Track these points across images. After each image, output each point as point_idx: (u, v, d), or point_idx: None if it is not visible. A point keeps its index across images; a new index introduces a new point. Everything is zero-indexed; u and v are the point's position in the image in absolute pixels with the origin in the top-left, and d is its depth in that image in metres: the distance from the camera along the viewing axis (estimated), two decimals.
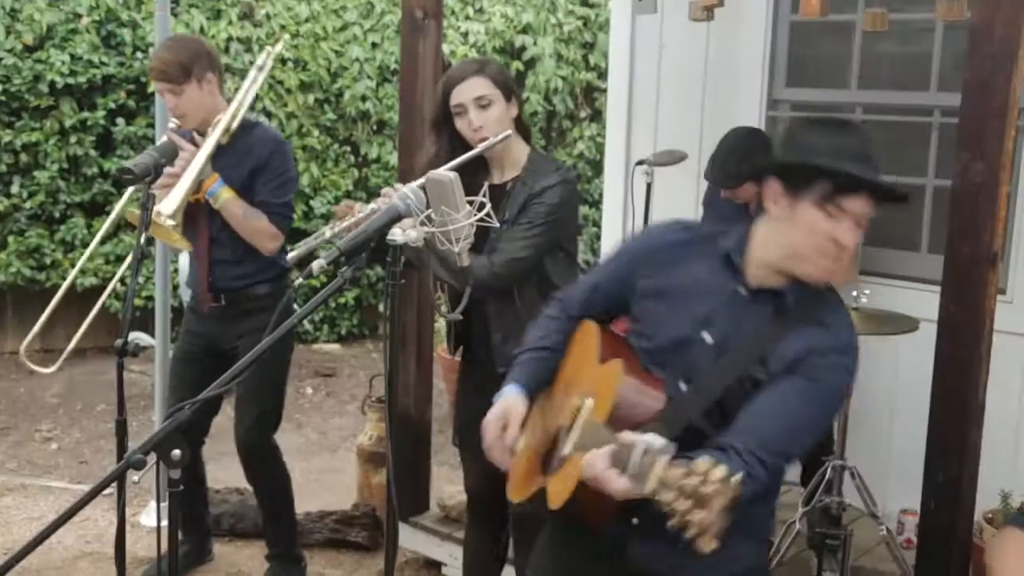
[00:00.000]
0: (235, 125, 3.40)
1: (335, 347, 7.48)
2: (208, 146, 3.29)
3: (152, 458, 1.78)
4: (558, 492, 1.91)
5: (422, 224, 1.76)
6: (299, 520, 4.25)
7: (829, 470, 3.57)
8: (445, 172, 1.72)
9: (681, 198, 4.60)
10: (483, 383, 2.94)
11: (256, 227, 3.39)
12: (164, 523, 4.08)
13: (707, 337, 1.94)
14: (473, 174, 2.44)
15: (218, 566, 4.01)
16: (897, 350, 3.87)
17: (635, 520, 1.94)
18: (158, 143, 3.33)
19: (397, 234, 1.75)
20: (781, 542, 3.54)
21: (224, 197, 3.34)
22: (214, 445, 3.96)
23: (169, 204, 3.17)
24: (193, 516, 3.93)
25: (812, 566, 3.55)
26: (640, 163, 3.82)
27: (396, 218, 1.80)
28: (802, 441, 1.91)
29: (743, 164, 3.90)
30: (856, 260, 3.98)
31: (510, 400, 2.05)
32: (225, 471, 3.82)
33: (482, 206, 1.75)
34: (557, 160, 2.75)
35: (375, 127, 7.62)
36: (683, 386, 1.94)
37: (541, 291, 2.68)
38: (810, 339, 1.89)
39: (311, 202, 7.25)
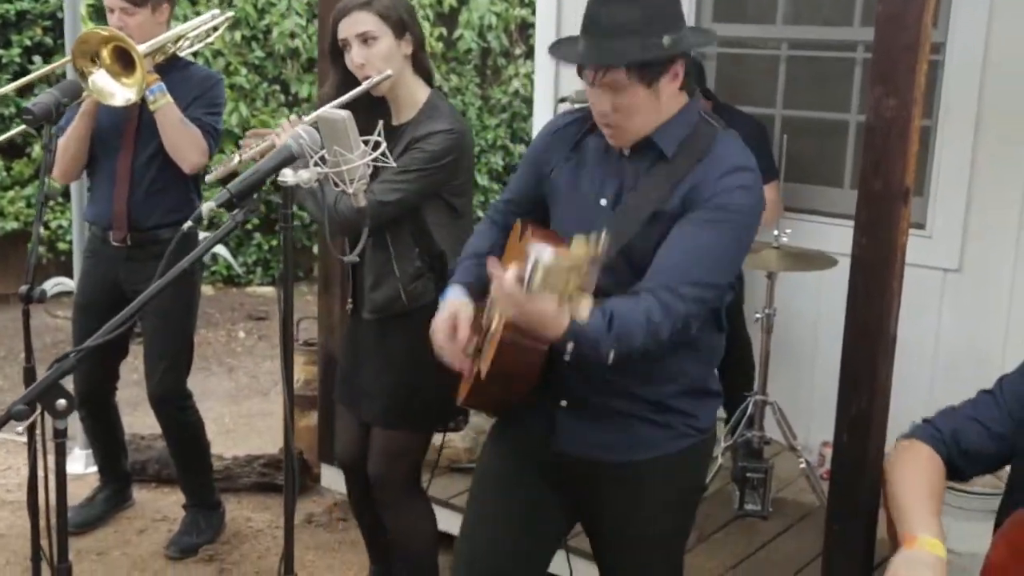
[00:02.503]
0: (182, 45, 3.43)
1: (268, 290, 7.40)
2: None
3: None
4: (486, 360, 1.94)
5: (315, 165, 1.71)
6: (227, 464, 4.24)
7: (751, 405, 3.61)
8: (338, 111, 1.66)
9: None
10: (355, 331, 2.92)
11: (191, 135, 3.35)
12: (92, 469, 4.11)
13: (603, 202, 1.99)
14: (373, 113, 2.39)
15: (143, 511, 3.98)
16: (820, 286, 3.90)
17: (563, 402, 2.01)
18: (63, 82, 3.21)
19: (288, 175, 1.70)
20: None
21: (164, 100, 3.29)
22: (140, 391, 3.89)
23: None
24: (109, 462, 3.90)
25: (735, 499, 3.61)
26: (563, 100, 3.77)
27: (288, 159, 1.75)
28: (720, 269, 1.93)
29: None
30: (779, 197, 4.00)
31: (454, 302, 2.07)
32: (151, 417, 3.79)
33: (377, 145, 1.69)
34: (454, 108, 2.69)
35: (305, 65, 7.47)
36: None
37: (417, 241, 2.65)
38: (700, 173, 1.93)
39: (240, 143, 7.10)
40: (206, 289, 7.13)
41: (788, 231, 3.54)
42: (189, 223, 1.82)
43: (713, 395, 2.19)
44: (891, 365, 2.73)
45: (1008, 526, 1.83)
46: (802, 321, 4.11)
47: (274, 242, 7.51)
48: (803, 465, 3.57)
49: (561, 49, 2.02)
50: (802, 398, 3.99)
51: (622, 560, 2.21)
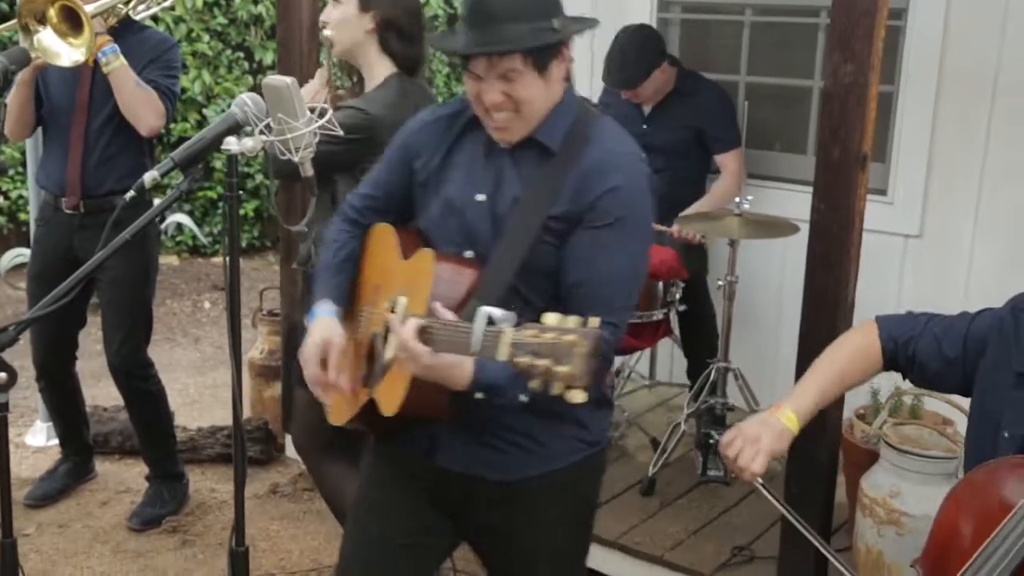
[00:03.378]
0: (137, 9, 3.38)
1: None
2: None
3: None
4: (390, 399, 1.85)
5: (261, 133, 1.69)
6: (192, 436, 4.21)
7: (713, 372, 3.63)
8: (282, 77, 1.63)
9: None
10: (305, 297, 2.88)
11: (147, 97, 3.30)
12: (53, 442, 4.08)
13: (479, 197, 1.90)
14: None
15: (106, 484, 3.96)
16: (784, 253, 3.92)
17: (478, 394, 1.84)
18: (10, 49, 3.15)
19: (232, 143, 1.67)
20: (667, 443, 3.60)
21: (118, 63, 3.24)
22: (102, 362, 3.85)
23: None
24: (71, 434, 3.87)
25: (698, 465, 3.64)
26: None
27: (233, 126, 1.72)
28: (636, 283, 1.89)
29: (640, 63, 3.88)
30: (742, 167, 4.01)
31: (325, 329, 1.96)
32: (114, 389, 3.75)
33: (323, 113, 1.66)
34: (404, 98, 2.64)
35: (268, 31, 7.37)
36: (469, 253, 1.90)
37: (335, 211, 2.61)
38: (587, 168, 1.84)
39: (204, 111, 7.02)
40: (171, 260, 7.06)
41: (749, 198, 3.54)
42: (131, 192, 1.79)
43: (605, 404, 2.09)
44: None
45: (958, 487, 1.86)
46: (766, 288, 4.12)
47: (240, 211, 7.43)
48: None
49: (446, 40, 1.93)
50: (767, 364, 4.01)
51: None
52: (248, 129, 1.70)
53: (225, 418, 4.41)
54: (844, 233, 2.64)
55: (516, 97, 1.80)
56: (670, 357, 4.39)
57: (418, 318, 1.65)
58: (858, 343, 2.08)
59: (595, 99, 4.26)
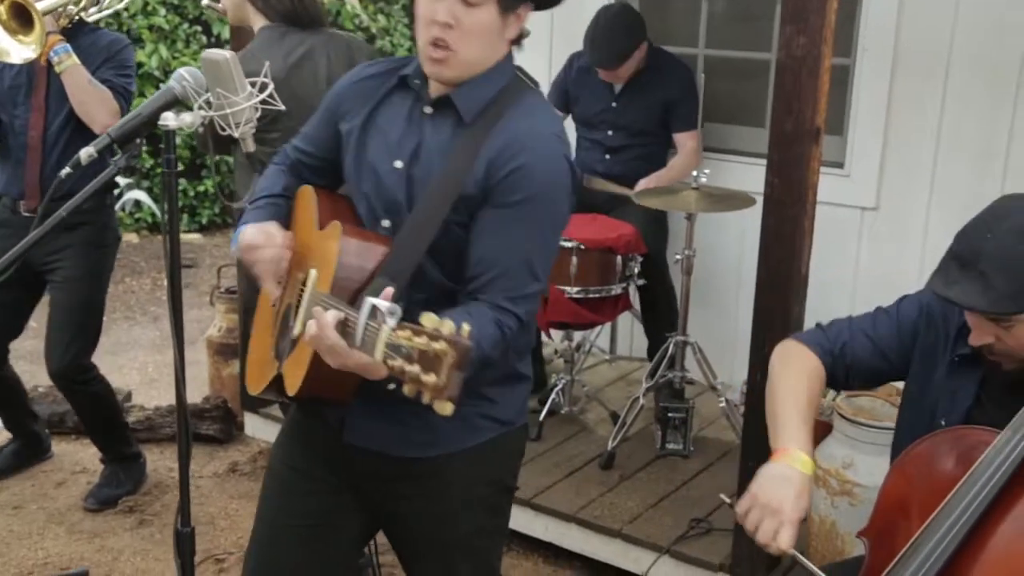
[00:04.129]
0: (89, 11, 3.34)
1: (196, 236, 7.27)
2: None
3: None
4: (293, 378, 1.80)
5: (200, 108, 1.65)
6: (149, 415, 4.18)
7: (672, 346, 3.64)
8: (221, 51, 1.60)
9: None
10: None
11: (100, 95, 3.25)
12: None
13: (397, 163, 1.83)
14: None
15: (61, 464, 3.92)
16: (743, 226, 3.92)
17: (391, 386, 1.73)
18: None
19: (170, 119, 1.64)
20: (626, 417, 3.61)
21: (70, 61, 3.19)
22: None
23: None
24: (18, 427, 3.85)
25: (657, 438, 3.65)
26: None
27: (171, 101, 1.68)
28: (546, 265, 1.81)
29: (626, 43, 3.87)
30: (699, 145, 4.01)
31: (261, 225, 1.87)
32: None
33: (263, 87, 1.63)
34: (274, 46, 2.62)
35: None
36: (385, 223, 1.84)
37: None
38: (501, 144, 1.76)
39: (161, 86, 6.91)
40: (131, 237, 6.97)
41: (707, 171, 3.54)
42: (67, 169, 1.75)
43: (522, 379, 1.99)
44: (803, 304, 2.76)
45: (903, 458, 1.87)
46: (725, 261, 4.14)
47: (200, 188, 7.36)
48: (723, 404, 3.61)
49: None
50: (726, 337, 4.02)
51: (424, 565, 2.03)
52: (188, 104, 1.66)
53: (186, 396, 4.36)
54: (798, 206, 2.64)
55: (465, 25, 1.72)
56: (630, 332, 4.40)
57: (336, 310, 1.58)
58: (805, 368, 1.98)
59: (552, 74, 4.25)
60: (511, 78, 1.85)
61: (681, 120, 3.96)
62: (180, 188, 7.27)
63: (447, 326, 1.40)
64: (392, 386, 1.67)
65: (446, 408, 1.40)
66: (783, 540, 1.71)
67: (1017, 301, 1.68)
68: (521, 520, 3.36)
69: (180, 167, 6.50)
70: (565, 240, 3.55)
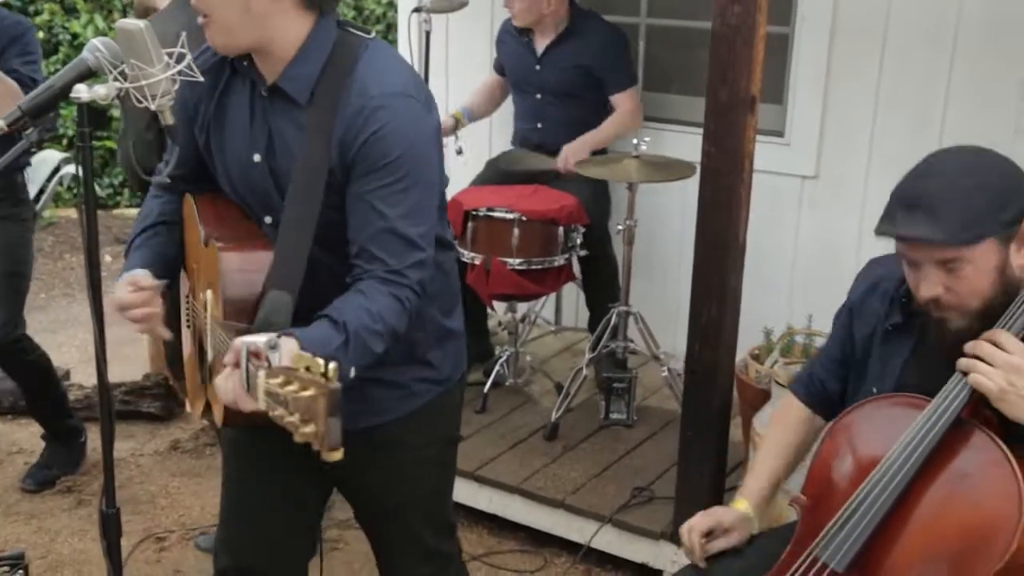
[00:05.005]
0: None
1: (136, 212, 7.13)
2: None
3: None
4: (217, 409, 1.76)
5: (115, 80, 1.60)
6: (88, 393, 4.10)
7: (614, 316, 3.64)
8: (134, 21, 1.54)
9: (474, 46, 4.49)
10: None
11: (5, 90, 3.10)
12: None
13: (255, 157, 1.79)
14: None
15: None
16: (686, 195, 3.92)
17: None
18: None
19: (82, 91, 1.58)
20: (570, 387, 3.62)
21: None
22: None
23: None
24: None
25: (601, 408, 3.66)
26: (416, 10, 3.65)
27: (85, 73, 1.63)
28: (425, 223, 1.76)
29: None
30: (639, 105, 4.00)
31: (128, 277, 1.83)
32: None
33: (181, 58, 1.58)
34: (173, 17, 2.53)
35: None
36: (268, 219, 1.81)
37: None
38: (350, 114, 1.70)
39: None
40: (70, 212, 6.83)
41: (647, 139, 3.53)
42: None
43: (452, 335, 2.00)
44: (741, 273, 2.77)
45: (835, 425, 1.89)
46: (668, 231, 4.14)
47: None
48: (665, 374, 3.62)
49: None
50: (669, 307, 4.03)
51: (382, 526, 2.08)
52: (102, 76, 1.61)
53: (124, 374, 4.30)
54: (734, 175, 2.64)
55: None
56: (576, 302, 4.40)
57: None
58: (783, 423, 2.11)
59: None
60: (335, 46, 1.76)
61: (613, 82, 3.93)
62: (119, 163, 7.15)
63: (314, 367, 1.35)
64: None
65: (334, 456, 1.35)
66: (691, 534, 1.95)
67: (970, 230, 1.65)
68: (465, 492, 3.36)
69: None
70: (507, 212, 3.54)
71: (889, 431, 1.74)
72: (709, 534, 1.98)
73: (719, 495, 2.89)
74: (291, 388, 1.35)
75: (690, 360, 2.83)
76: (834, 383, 2.03)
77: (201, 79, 1.67)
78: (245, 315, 1.70)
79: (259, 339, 1.44)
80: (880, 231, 1.74)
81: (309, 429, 1.32)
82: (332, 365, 1.34)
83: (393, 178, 1.71)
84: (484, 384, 3.75)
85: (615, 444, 3.53)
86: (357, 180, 1.72)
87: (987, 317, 1.71)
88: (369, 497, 2.06)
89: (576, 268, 3.89)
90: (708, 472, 2.85)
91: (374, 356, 1.70)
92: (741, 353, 3.31)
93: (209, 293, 1.77)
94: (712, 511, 2.02)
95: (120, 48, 1.61)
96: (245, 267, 1.73)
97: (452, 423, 2.09)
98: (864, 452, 1.80)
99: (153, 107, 1.59)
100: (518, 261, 3.54)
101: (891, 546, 1.68)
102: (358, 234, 1.73)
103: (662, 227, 4.14)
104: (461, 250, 3.63)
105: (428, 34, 3.62)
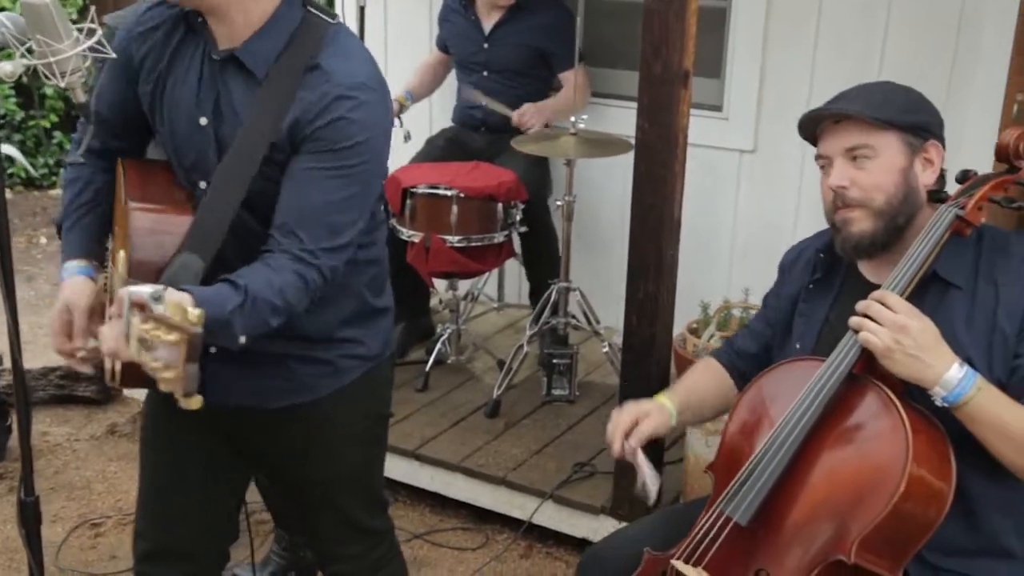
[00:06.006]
0: None
1: None
2: None
3: None
4: (114, 368, 1.74)
5: (23, 56, 1.55)
6: None
7: (554, 292, 3.63)
8: None
9: (414, 23, 4.45)
10: None
11: None
12: None
13: (202, 120, 1.76)
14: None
15: None
16: (625, 171, 3.90)
17: (212, 349, 1.75)
18: None
19: None
20: (511, 364, 3.61)
21: None
22: None
23: None
24: None
25: (543, 385, 3.66)
26: None
27: None
28: (353, 214, 1.75)
29: None
30: (586, 81, 3.99)
31: (70, 290, 1.83)
32: None
33: (91, 33, 1.53)
34: None
35: None
36: (203, 184, 1.78)
37: None
38: (306, 98, 1.69)
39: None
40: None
41: (585, 116, 3.52)
42: None
43: (381, 313, 1.99)
44: (677, 248, 2.77)
45: (745, 390, 1.93)
46: (609, 206, 4.14)
47: (55, 141, 7.08)
48: (606, 349, 3.63)
49: None
50: (611, 282, 4.02)
51: (310, 504, 2.07)
52: (10, 52, 1.56)
53: (59, 359, 4.22)
54: (668, 150, 2.64)
55: None
56: (518, 279, 4.39)
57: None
58: (699, 367, 2.18)
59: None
60: (300, 26, 1.74)
61: (561, 59, 3.92)
62: (56, 141, 7.00)
63: (185, 314, 1.34)
64: (213, 349, 1.66)
65: (192, 403, 1.35)
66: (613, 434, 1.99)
67: (882, 111, 1.80)
68: (407, 470, 3.35)
69: (55, 119, 6.22)
70: (445, 188, 3.51)
71: (791, 391, 1.79)
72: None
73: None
74: (158, 333, 1.34)
75: (627, 335, 2.84)
76: (750, 345, 2.11)
77: (113, 56, 1.62)
78: (152, 277, 1.66)
79: (144, 289, 1.41)
80: (804, 115, 1.88)
81: (169, 375, 1.32)
82: (197, 311, 1.33)
83: (340, 164, 1.71)
84: (426, 362, 3.73)
85: (557, 420, 3.53)
86: (303, 158, 1.71)
87: (889, 224, 1.81)
88: (296, 474, 2.04)
89: (517, 245, 3.88)
90: (646, 446, 2.85)
91: (268, 328, 1.67)
92: (680, 327, 3.33)
93: (122, 254, 1.74)
94: (627, 407, 2.03)
95: (27, 23, 1.56)
96: (158, 228, 1.70)
97: (381, 400, 2.07)
98: (767, 412, 1.86)
99: (63, 84, 1.54)
100: (457, 238, 3.52)
101: (791, 499, 1.73)
102: (285, 208, 1.71)
103: (604, 202, 4.14)
104: (400, 228, 3.60)
105: (362, 9, 3.57)
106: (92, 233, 1.92)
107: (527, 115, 3.80)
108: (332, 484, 2.02)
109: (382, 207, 1.98)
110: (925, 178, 1.84)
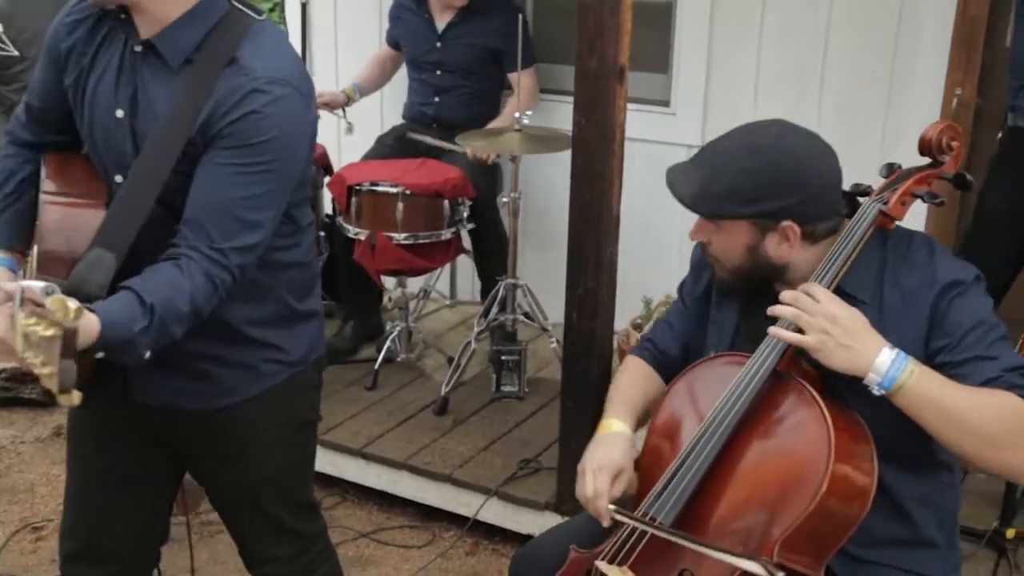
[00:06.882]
0: None
1: None
2: None
3: None
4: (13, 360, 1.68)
5: None
6: None
7: (502, 289, 3.63)
8: None
9: (363, 18, 4.42)
10: None
11: None
12: None
13: (119, 113, 1.73)
14: None
15: None
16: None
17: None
18: None
19: None
20: (460, 360, 3.60)
21: None
22: None
23: None
24: None
25: (492, 381, 3.65)
26: None
27: None
28: (268, 212, 1.72)
29: None
30: (536, 82, 3.98)
31: None
32: None
33: None
34: None
35: None
36: (119, 179, 1.76)
37: None
38: (221, 93, 1.67)
39: None
40: None
41: (529, 113, 3.52)
42: None
43: (305, 317, 1.95)
44: (616, 244, 2.77)
45: (668, 389, 1.93)
46: (557, 202, 4.11)
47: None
48: (553, 345, 3.63)
49: None
50: (559, 279, 4.00)
51: (234, 506, 2.05)
52: None
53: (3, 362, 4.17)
54: (604, 146, 2.63)
55: None
56: (471, 276, 4.37)
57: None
58: (628, 369, 2.10)
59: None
60: (222, 19, 1.72)
61: (512, 60, 3.91)
62: None
63: (64, 309, 1.32)
64: (100, 355, 1.61)
65: (72, 399, 1.34)
66: (585, 488, 1.88)
67: (714, 204, 1.75)
68: (354, 470, 3.34)
69: None
70: (390, 186, 3.50)
71: (716, 389, 1.78)
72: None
73: None
74: (37, 328, 1.33)
75: (568, 331, 2.84)
76: (672, 344, 2.09)
77: (15, 52, 1.60)
78: (62, 271, 1.63)
79: (36, 284, 1.39)
80: (667, 174, 1.85)
81: (47, 370, 1.31)
82: (75, 306, 1.33)
83: (253, 160, 1.68)
84: (375, 360, 3.72)
85: (505, 417, 3.53)
86: (216, 152, 1.68)
87: (746, 281, 1.82)
88: (219, 477, 2.02)
89: (467, 241, 3.87)
90: (588, 442, 2.86)
91: (173, 339, 1.65)
92: (626, 323, 3.34)
93: (36, 248, 1.72)
94: (600, 466, 1.89)
95: None
96: (68, 223, 1.68)
97: (307, 404, 2.04)
98: (691, 411, 1.85)
99: None
100: (404, 236, 3.51)
101: (715, 499, 1.72)
102: (196, 203, 1.68)
103: (553, 199, 4.13)
104: (346, 225, 3.58)
105: (304, 6, 3.54)
106: (15, 225, 1.88)
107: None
108: (255, 487, 2.00)
109: (309, 208, 1.95)
110: (782, 251, 1.77)
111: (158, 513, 2.09)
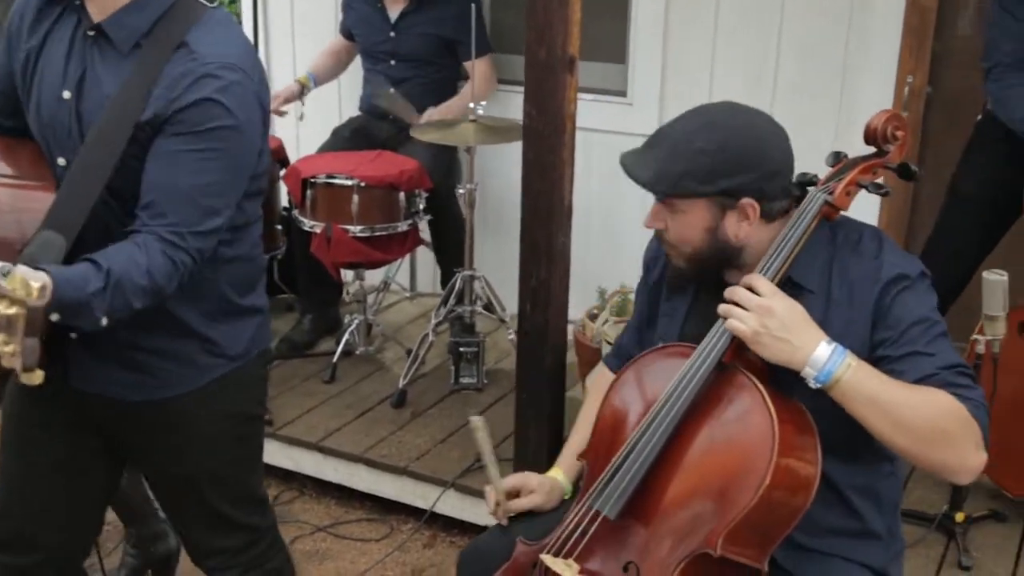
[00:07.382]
0: None
1: None
2: None
3: None
4: None
5: None
6: None
7: (459, 281, 3.62)
8: None
9: (320, 8, 4.39)
10: None
11: None
12: None
13: (65, 94, 1.73)
14: None
15: None
16: None
17: (72, 334, 1.73)
18: None
19: None
20: (418, 352, 3.59)
21: None
22: None
23: None
24: None
25: (451, 373, 3.65)
26: None
27: None
28: (223, 198, 1.73)
29: None
30: (492, 72, 3.97)
31: None
32: None
33: None
34: None
35: None
36: (61, 161, 1.75)
37: None
38: (170, 78, 1.67)
39: None
40: None
41: (484, 103, 3.50)
42: None
43: (248, 312, 1.94)
44: (568, 234, 2.77)
45: (615, 379, 1.92)
46: (514, 193, 4.09)
47: None
48: (512, 337, 3.62)
49: None
50: (517, 270, 4.03)
51: (174, 498, 2.05)
52: None
53: None
54: (555, 137, 2.63)
55: None
56: (431, 268, 4.37)
57: None
58: (597, 390, 2.09)
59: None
60: (174, 2, 1.72)
61: (466, 49, 3.90)
62: None
63: (26, 288, 1.32)
64: (74, 335, 1.63)
65: (33, 378, 1.33)
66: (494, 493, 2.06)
67: (673, 183, 1.74)
68: (311, 463, 3.33)
69: None
70: (345, 178, 3.48)
71: (661, 381, 1.77)
72: (517, 495, 2.00)
73: (556, 455, 2.90)
74: (2, 306, 1.33)
75: (522, 322, 2.82)
76: (638, 350, 2.04)
77: None
78: (10, 255, 1.61)
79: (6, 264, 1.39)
80: (621, 159, 1.84)
81: (8, 348, 1.31)
82: (37, 284, 1.33)
83: (206, 146, 1.67)
84: (334, 353, 3.70)
85: (464, 408, 3.52)
86: (169, 138, 1.67)
87: (705, 266, 1.80)
88: (161, 469, 2.01)
89: (426, 233, 3.86)
90: (544, 432, 2.86)
91: (132, 310, 1.64)
92: (582, 313, 3.34)
93: None
94: (523, 474, 2.07)
95: None
96: (16, 205, 1.66)
97: (251, 399, 2.02)
98: (637, 402, 1.84)
99: None
100: (359, 228, 3.49)
101: (660, 491, 1.72)
102: (152, 188, 1.68)
103: (510, 189, 4.10)
104: (302, 218, 3.56)
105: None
106: None
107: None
108: (197, 481, 1.98)
109: (259, 204, 1.93)
110: (741, 231, 1.76)
111: (94, 503, 2.06)
